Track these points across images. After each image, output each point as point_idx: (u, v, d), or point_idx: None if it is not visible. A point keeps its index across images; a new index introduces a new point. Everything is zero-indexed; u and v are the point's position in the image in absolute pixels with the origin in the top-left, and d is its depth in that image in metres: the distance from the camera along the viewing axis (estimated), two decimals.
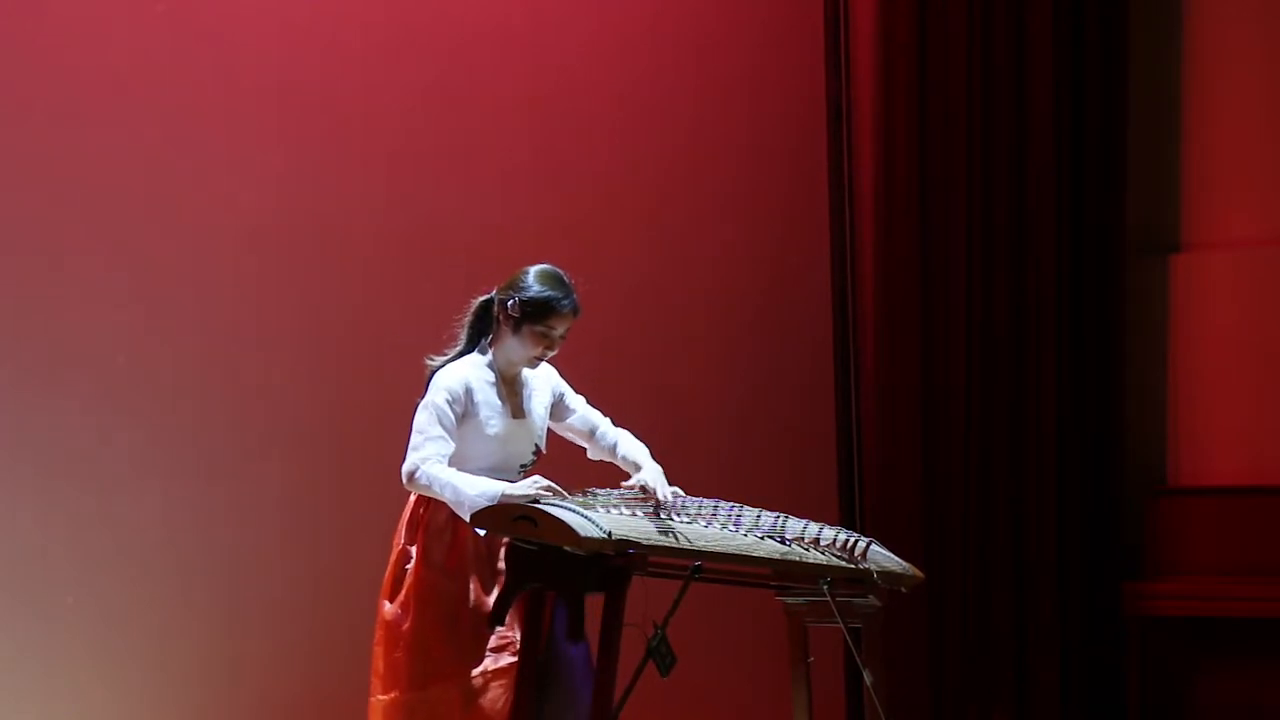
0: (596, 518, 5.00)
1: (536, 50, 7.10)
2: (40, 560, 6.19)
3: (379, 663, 5.24)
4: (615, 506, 5.16)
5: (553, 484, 5.13)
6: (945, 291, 7.62)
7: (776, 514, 5.38)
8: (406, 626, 5.20)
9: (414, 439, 5.21)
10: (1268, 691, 7.26)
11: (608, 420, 5.53)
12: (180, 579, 6.39)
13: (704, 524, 5.23)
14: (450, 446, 5.20)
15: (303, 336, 6.63)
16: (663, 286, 7.36)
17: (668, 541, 5.06)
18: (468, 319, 5.39)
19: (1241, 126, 7.70)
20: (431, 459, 5.16)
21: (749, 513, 5.36)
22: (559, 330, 5.29)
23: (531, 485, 5.12)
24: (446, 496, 5.15)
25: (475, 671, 5.18)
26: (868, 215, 7.71)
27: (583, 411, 5.51)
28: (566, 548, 5.00)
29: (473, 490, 5.12)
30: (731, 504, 5.39)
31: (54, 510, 6.21)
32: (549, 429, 5.47)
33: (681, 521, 5.20)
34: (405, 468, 5.19)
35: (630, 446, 5.47)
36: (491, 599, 5.20)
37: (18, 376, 6.18)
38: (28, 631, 6.17)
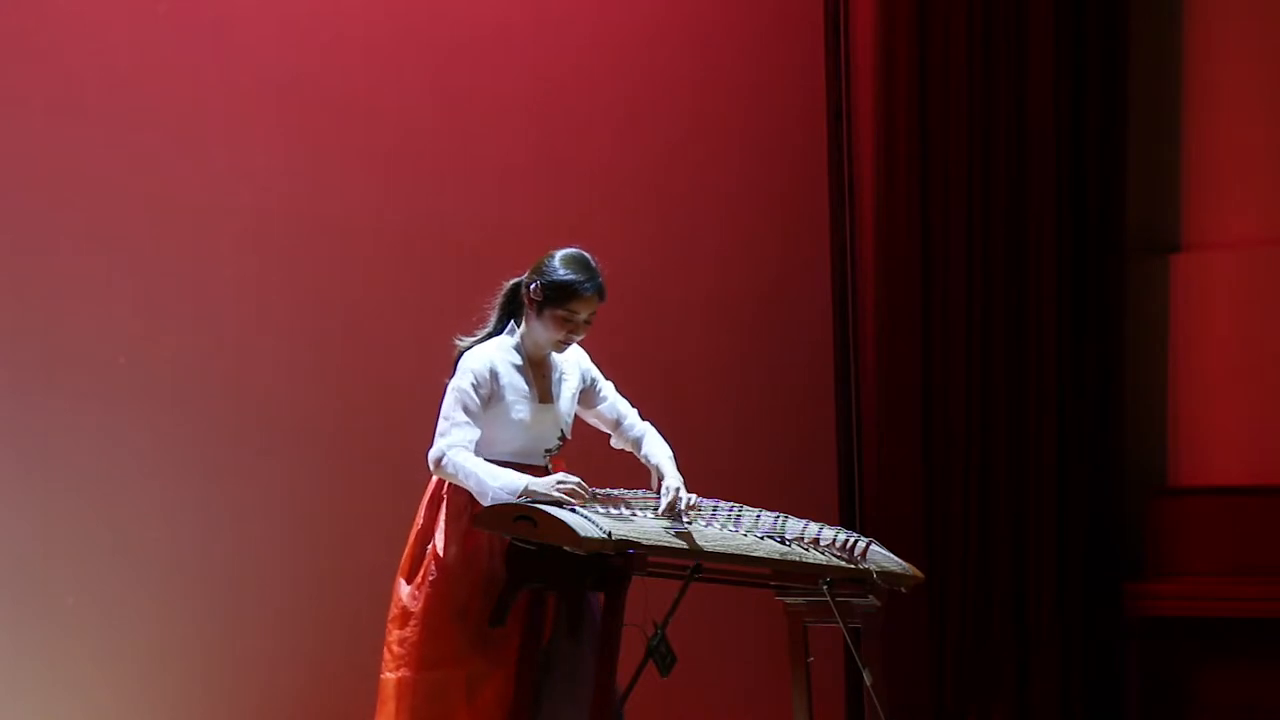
0: (596, 518, 5.00)
1: (536, 50, 7.10)
2: (40, 560, 6.19)
3: (391, 639, 5.23)
4: (615, 506, 5.16)
5: (579, 482, 5.11)
6: (945, 291, 7.62)
7: (776, 514, 5.38)
8: (420, 607, 5.18)
9: (440, 424, 5.18)
10: (1268, 691, 7.25)
11: (635, 411, 5.51)
12: (180, 579, 6.39)
13: (704, 524, 5.23)
14: (476, 432, 5.16)
15: (303, 335, 6.63)
16: (663, 286, 7.36)
17: (668, 541, 5.06)
18: (498, 300, 5.36)
19: (1241, 126, 7.70)
20: (458, 446, 5.14)
21: (749, 513, 5.36)
22: (582, 314, 5.25)
23: (555, 485, 5.10)
24: (470, 486, 5.13)
25: (482, 662, 5.18)
26: (868, 215, 7.72)
27: (612, 399, 5.48)
28: (566, 548, 5.00)
29: (495, 482, 5.09)
30: (731, 504, 5.39)
31: (54, 510, 6.21)
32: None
33: (683, 523, 5.20)
34: (431, 454, 5.16)
35: (655, 448, 5.42)
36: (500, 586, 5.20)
37: (17, 377, 6.18)
38: (28, 631, 6.17)
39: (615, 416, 5.47)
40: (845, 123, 7.74)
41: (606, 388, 5.48)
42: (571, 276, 5.24)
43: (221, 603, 6.44)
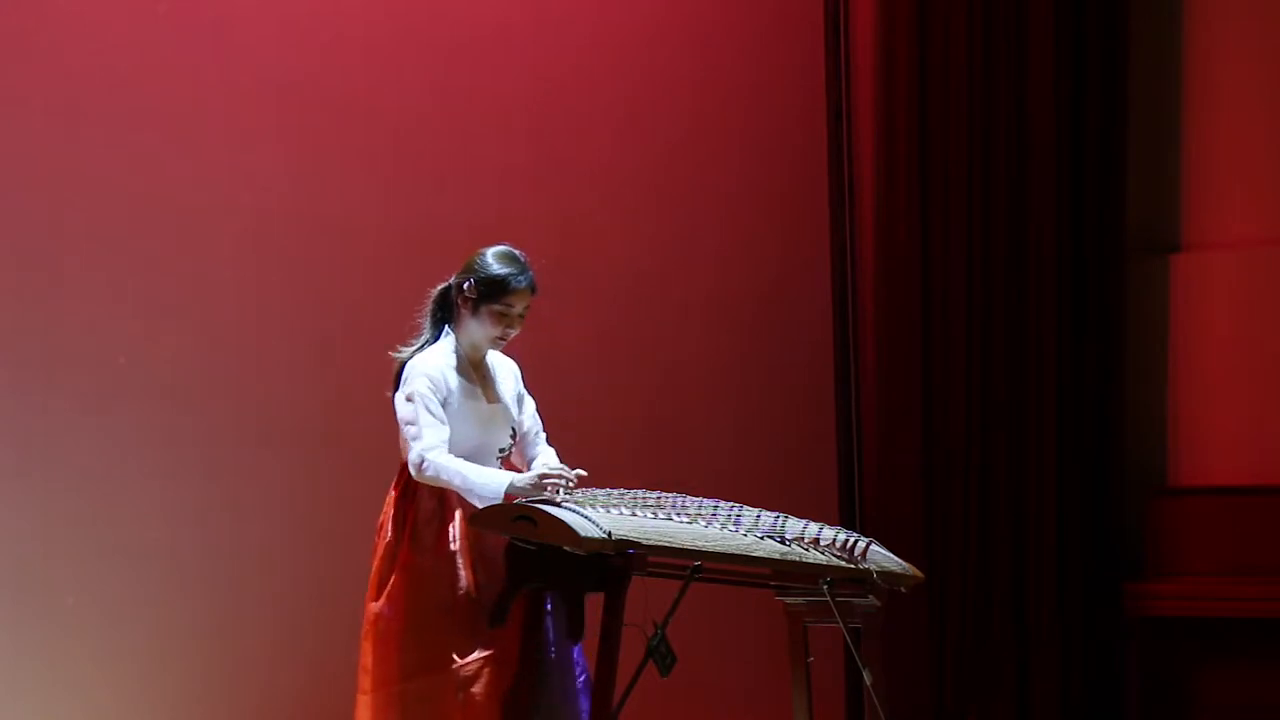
0: (596, 517, 5.00)
1: (536, 50, 7.10)
2: (40, 560, 6.19)
3: (368, 658, 5.23)
4: (615, 506, 5.16)
5: (559, 468, 5.13)
6: (945, 291, 7.62)
7: (776, 514, 5.38)
8: (399, 620, 5.18)
9: (409, 430, 5.20)
10: (1268, 691, 7.25)
11: (544, 434, 5.53)
12: (180, 579, 6.39)
13: (704, 524, 5.23)
14: (446, 431, 5.18)
15: (303, 335, 6.63)
16: (662, 286, 7.36)
17: (665, 540, 5.06)
18: (429, 308, 5.40)
19: (1241, 126, 7.70)
20: (436, 448, 5.15)
21: (749, 513, 5.35)
22: (517, 308, 5.29)
23: (534, 475, 5.12)
24: (456, 485, 5.15)
25: (470, 659, 5.18)
26: (868, 215, 7.72)
27: (533, 412, 5.51)
28: (566, 548, 5.00)
29: (479, 479, 5.13)
30: (731, 504, 5.39)
31: (54, 510, 6.21)
32: None
33: (681, 521, 5.20)
34: (411, 458, 5.17)
35: (545, 456, 5.46)
36: (482, 586, 5.19)
37: (17, 377, 6.18)
38: (28, 631, 6.17)
39: (534, 428, 5.48)
40: (845, 123, 7.74)
41: (530, 403, 5.50)
42: (505, 270, 5.28)
43: (221, 603, 6.44)
